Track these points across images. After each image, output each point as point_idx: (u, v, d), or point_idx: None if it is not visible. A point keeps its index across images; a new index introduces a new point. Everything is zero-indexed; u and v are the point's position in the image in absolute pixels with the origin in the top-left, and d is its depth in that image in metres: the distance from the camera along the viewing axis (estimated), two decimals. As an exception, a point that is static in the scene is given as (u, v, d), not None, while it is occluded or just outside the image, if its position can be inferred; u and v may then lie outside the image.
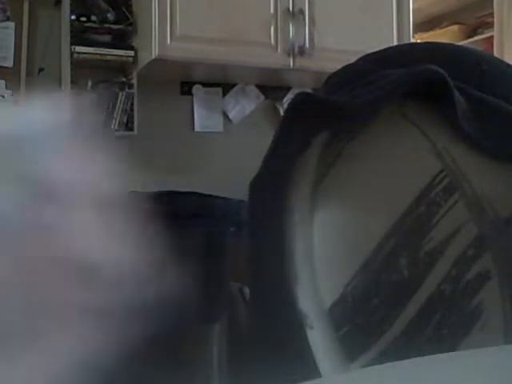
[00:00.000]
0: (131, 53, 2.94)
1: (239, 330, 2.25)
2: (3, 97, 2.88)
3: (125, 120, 2.93)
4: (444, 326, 0.39)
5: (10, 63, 2.91)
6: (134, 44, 2.97)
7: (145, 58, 2.88)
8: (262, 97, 3.35)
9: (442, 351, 0.36)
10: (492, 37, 4.08)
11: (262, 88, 3.34)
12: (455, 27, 4.34)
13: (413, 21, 3.28)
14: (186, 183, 2.97)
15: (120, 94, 2.91)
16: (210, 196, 2.77)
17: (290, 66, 2.99)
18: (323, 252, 0.42)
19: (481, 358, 0.33)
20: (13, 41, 2.91)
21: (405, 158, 0.42)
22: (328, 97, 0.44)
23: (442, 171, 0.40)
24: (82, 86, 2.91)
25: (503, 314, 0.39)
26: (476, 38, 4.24)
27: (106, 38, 2.93)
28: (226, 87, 3.28)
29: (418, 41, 3.87)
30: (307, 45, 3.00)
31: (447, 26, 4.40)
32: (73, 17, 2.89)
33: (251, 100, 3.34)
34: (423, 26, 4.35)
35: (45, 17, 2.98)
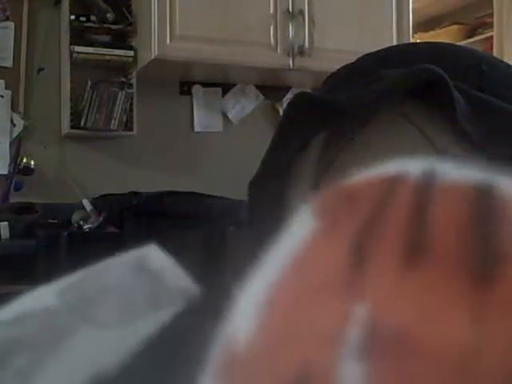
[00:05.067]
0: (131, 53, 2.93)
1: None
2: (2, 97, 2.88)
3: (124, 120, 2.93)
4: None
5: (9, 63, 2.90)
6: (133, 44, 2.97)
7: (144, 58, 2.88)
8: (262, 97, 3.35)
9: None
10: (492, 37, 4.08)
11: (262, 88, 3.33)
12: (455, 27, 4.34)
13: (413, 21, 3.28)
14: (186, 183, 2.97)
15: (119, 93, 2.91)
16: (210, 196, 2.77)
17: (289, 66, 2.99)
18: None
19: None
20: (12, 41, 2.91)
21: (404, 157, 0.42)
22: (327, 96, 0.44)
23: (441, 171, 0.40)
24: (81, 85, 2.91)
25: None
26: (476, 38, 4.24)
27: (106, 38, 2.93)
28: (226, 87, 3.28)
29: (418, 41, 3.87)
30: (307, 45, 3.00)
31: (447, 26, 4.40)
32: (72, 17, 2.88)
33: (251, 100, 3.33)
34: (423, 26, 4.35)
35: (44, 17, 2.98)
